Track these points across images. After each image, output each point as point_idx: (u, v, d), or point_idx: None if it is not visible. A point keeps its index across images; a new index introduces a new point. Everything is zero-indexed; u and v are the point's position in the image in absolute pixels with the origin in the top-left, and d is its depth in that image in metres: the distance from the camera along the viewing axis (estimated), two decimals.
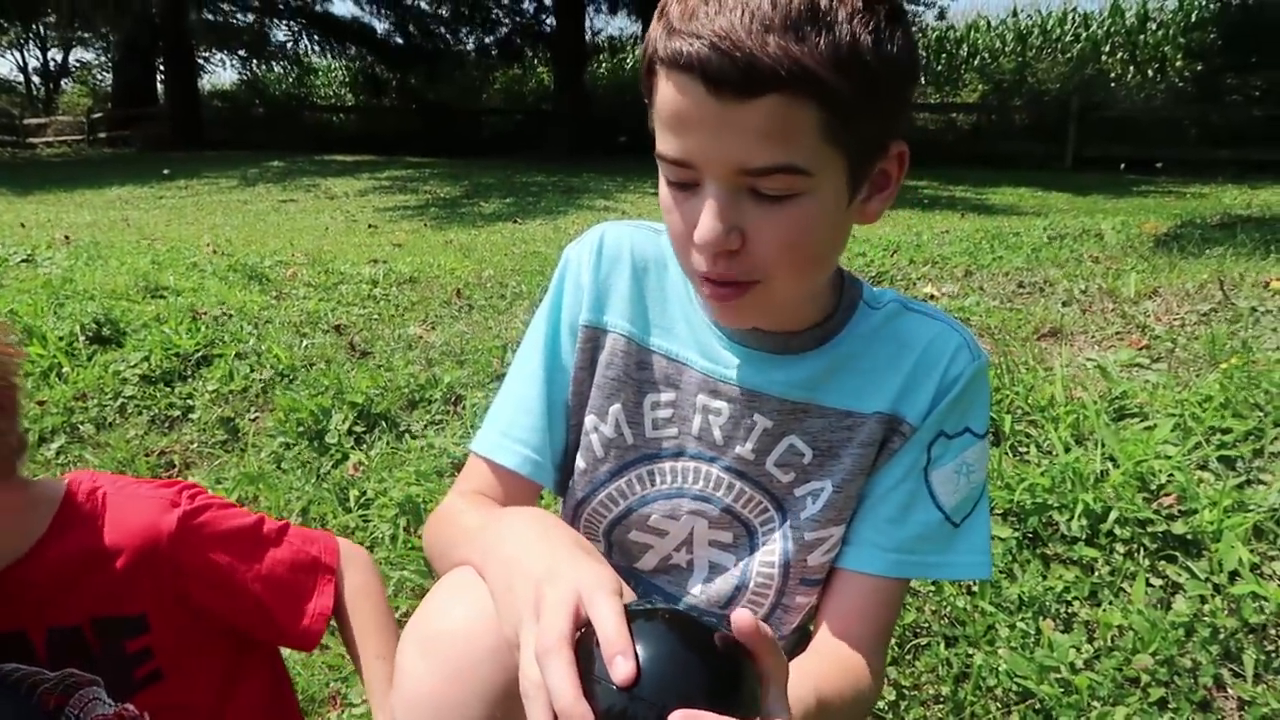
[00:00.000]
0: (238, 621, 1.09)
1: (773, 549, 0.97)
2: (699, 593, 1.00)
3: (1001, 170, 13.22)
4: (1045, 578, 1.90)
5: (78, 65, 37.01)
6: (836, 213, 0.80)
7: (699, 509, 0.98)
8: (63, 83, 36.65)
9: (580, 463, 1.01)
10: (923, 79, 19.38)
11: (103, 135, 22.19)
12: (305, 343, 3.42)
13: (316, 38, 24.28)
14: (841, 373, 0.95)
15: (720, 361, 0.96)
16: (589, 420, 1.01)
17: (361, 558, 1.17)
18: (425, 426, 2.84)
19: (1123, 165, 10.86)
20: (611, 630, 0.59)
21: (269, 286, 4.26)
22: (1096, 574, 1.90)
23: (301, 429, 2.81)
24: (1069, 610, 1.84)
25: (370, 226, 7.83)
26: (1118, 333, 2.99)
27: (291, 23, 24.07)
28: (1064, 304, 3.36)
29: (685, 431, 0.98)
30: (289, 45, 25.07)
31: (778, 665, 0.64)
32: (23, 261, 4.89)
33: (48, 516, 1.04)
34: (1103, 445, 2.18)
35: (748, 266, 0.80)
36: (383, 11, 22.73)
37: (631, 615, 0.61)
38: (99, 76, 34.41)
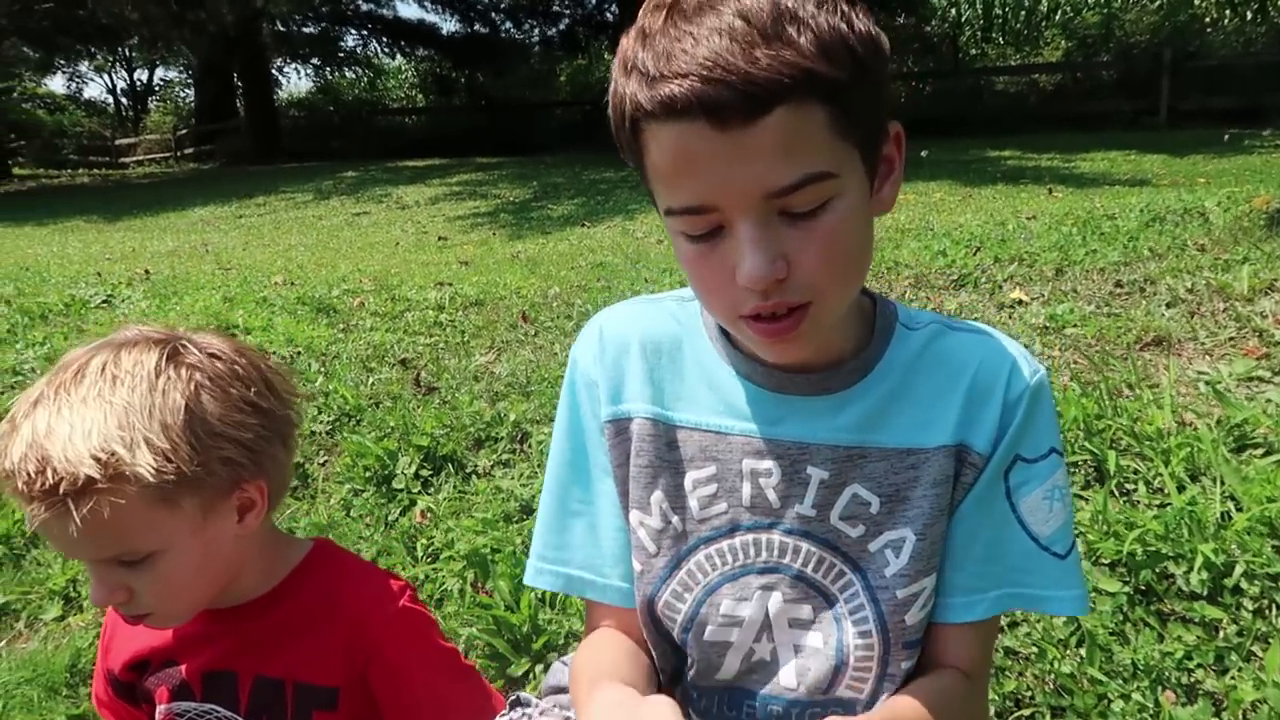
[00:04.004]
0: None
1: (865, 615, 0.89)
2: (795, 684, 0.90)
3: (1090, 132, 12.64)
4: (1162, 640, 1.73)
5: (161, 84, 38.49)
6: (863, 209, 0.79)
7: (769, 582, 0.91)
8: (149, 101, 38.15)
9: (635, 564, 0.94)
10: (1001, 39, 18.68)
11: (189, 151, 23.03)
12: (372, 379, 3.39)
13: (385, 41, 24.77)
14: (893, 407, 0.89)
15: (759, 419, 0.90)
16: (633, 517, 0.94)
17: None
18: (492, 466, 2.78)
19: (1226, 137, 10.14)
20: None
21: (336, 319, 4.26)
22: (1222, 636, 1.71)
23: (369, 474, 2.78)
24: (1191, 678, 1.66)
25: (440, 239, 7.86)
26: (1231, 339, 2.73)
27: (360, 28, 24.56)
28: (1168, 305, 3.10)
29: (735, 504, 0.91)
30: (358, 50, 25.61)
31: None
32: (102, 304, 5.00)
33: (288, 568, 1.11)
34: (1222, 483, 1.97)
35: (798, 287, 0.76)
36: (447, 10, 23.00)
37: None
38: (182, 94, 35.72)
